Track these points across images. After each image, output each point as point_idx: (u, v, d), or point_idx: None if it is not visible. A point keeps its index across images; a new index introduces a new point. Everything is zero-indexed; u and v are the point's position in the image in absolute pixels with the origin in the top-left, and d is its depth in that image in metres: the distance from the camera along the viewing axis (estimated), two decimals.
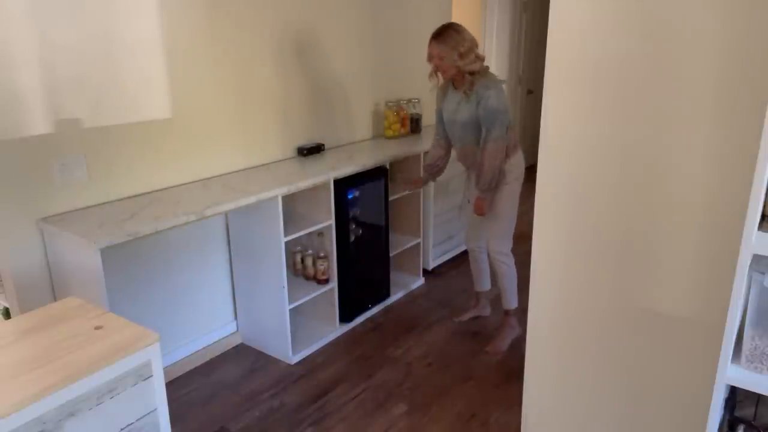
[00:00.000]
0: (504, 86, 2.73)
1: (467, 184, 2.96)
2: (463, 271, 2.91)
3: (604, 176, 1.61)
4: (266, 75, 2.90)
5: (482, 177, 2.67)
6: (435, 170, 3.01)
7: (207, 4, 2.56)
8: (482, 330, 3.11)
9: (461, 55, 2.61)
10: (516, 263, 2.91)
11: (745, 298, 1.23)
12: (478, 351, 2.91)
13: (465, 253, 2.98)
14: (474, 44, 2.67)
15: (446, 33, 2.64)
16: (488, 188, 2.69)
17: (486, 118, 2.62)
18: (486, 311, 3.22)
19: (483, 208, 2.72)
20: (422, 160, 3.35)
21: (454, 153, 2.96)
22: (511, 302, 2.94)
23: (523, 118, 6.23)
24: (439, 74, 2.73)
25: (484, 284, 3.13)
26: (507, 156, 2.70)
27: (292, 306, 2.76)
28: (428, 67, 2.78)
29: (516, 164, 2.76)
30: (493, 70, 6.42)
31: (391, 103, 3.70)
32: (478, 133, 2.70)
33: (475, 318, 3.18)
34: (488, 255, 2.92)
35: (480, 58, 2.67)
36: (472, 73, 2.64)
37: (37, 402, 1.23)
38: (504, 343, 2.93)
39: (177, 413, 2.40)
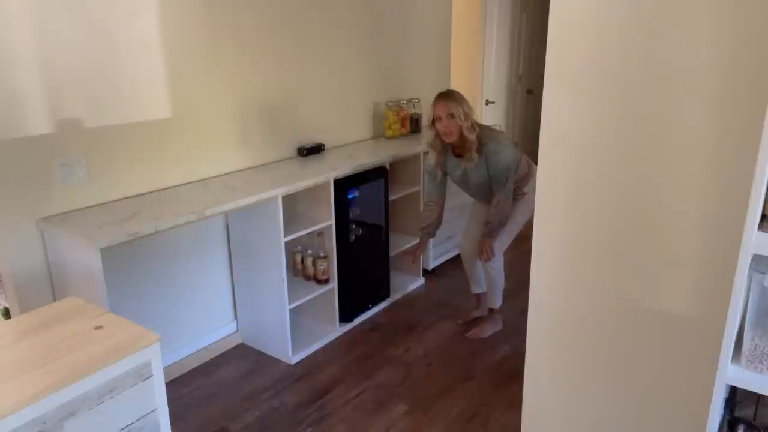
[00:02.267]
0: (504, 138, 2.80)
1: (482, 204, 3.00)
2: (464, 271, 2.91)
3: (603, 176, 1.61)
4: (266, 75, 2.90)
5: (493, 224, 2.78)
6: (432, 228, 3.04)
7: (207, 3, 2.56)
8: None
9: (467, 116, 2.64)
10: (516, 263, 2.92)
11: (745, 298, 1.23)
12: (478, 351, 2.91)
13: None
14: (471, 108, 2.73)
15: (454, 92, 2.70)
16: (497, 234, 2.82)
17: (499, 174, 2.69)
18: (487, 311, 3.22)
19: (488, 246, 2.83)
20: (422, 161, 3.35)
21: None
22: (497, 302, 3.05)
23: (523, 118, 6.23)
24: (444, 138, 2.70)
25: (483, 286, 3.14)
26: (527, 180, 2.82)
27: (292, 306, 2.76)
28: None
29: (533, 185, 2.80)
30: (492, 70, 6.42)
31: (391, 103, 3.70)
32: (488, 189, 2.80)
33: (478, 318, 3.18)
34: (483, 265, 2.97)
35: (475, 125, 2.69)
36: (476, 136, 2.65)
37: (37, 402, 1.23)
38: (485, 332, 3.06)
39: (177, 413, 2.40)
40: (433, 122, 2.70)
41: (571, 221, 1.70)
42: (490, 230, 2.82)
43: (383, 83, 3.71)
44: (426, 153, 3.15)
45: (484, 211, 2.94)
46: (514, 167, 2.72)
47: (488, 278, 3.01)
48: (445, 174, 2.90)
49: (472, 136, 2.65)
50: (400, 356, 2.89)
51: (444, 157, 2.82)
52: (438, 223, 3.03)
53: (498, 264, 2.94)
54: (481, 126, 2.73)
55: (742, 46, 1.34)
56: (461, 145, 2.70)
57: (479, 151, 2.68)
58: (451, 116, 2.62)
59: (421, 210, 3.13)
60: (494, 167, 2.68)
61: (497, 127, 3.14)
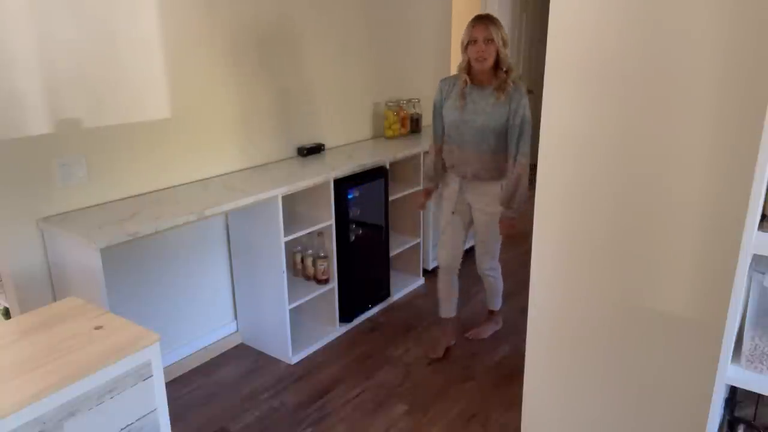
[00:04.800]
0: None
1: (462, 193, 2.70)
2: (464, 271, 2.91)
3: (603, 176, 1.61)
4: (266, 75, 2.90)
5: (516, 195, 2.51)
6: (439, 177, 2.80)
7: (207, 3, 2.56)
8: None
9: (505, 43, 2.46)
10: (516, 263, 2.92)
11: (745, 298, 1.23)
12: (478, 351, 2.91)
13: (466, 251, 2.90)
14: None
15: (493, 17, 2.49)
16: (521, 207, 2.53)
17: (521, 128, 2.46)
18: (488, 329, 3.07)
19: (514, 226, 2.58)
20: (422, 161, 3.35)
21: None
22: (497, 304, 3.00)
23: None
24: (475, 64, 2.46)
25: (455, 309, 2.91)
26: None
27: (292, 306, 2.76)
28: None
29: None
30: None
31: (391, 103, 3.70)
32: (498, 142, 2.51)
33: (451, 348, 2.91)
34: (478, 270, 2.85)
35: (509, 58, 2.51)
36: (507, 72, 2.47)
37: (37, 402, 1.23)
38: (485, 332, 3.01)
39: (177, 413, 2.40)
40: (466, 47, 2.47)
41: (571, 221, 1.70)
42: (509, 202, 2.52)
43: (383, 83, 3.71)
44: (426, 153, 3.14)
45: (462, 219, 2.74)
46: (530, 130, 2.47)
47: (487, 283, 2.92)
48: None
49: (509, 63, 2.47)
50: (400, 356, 2.88)
51: (464, 87, 2.54)
52: (443, 171, 2.77)
53: (496, 271, 2.86)
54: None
55: (742, 46, 1.34)
56: (487, 76, 2.49)
57: (504, 89, 2.45)
58: (490, 41, 2.41)
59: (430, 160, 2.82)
60: (515, 115, 2.44)
61: None
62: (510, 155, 2.50)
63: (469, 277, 3.11)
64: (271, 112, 2.97)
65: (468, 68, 2.51)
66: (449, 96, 2.60)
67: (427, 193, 2.88)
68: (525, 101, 2.45)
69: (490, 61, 2.45)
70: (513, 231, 2.60)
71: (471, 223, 2.76)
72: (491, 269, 2.85)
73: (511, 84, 2.46)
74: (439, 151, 2.74)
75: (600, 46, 1.53)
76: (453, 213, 2.73)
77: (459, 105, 2.55)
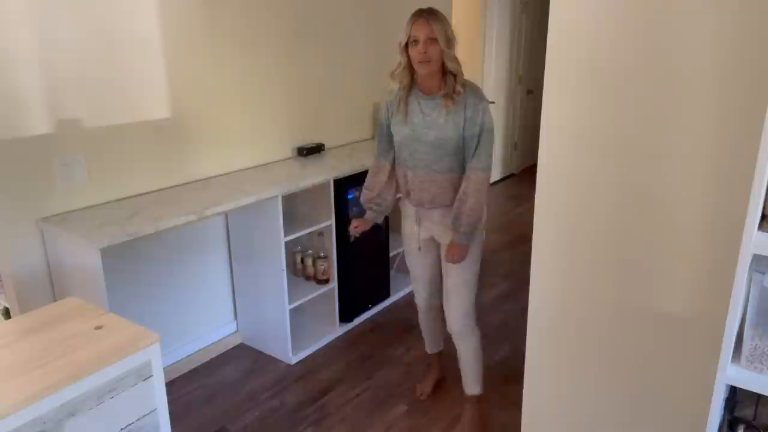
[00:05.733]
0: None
1: (420, 225, 2.25)
2: None
3: (603, 176, 1.61)
4: (266, 75, 2.90)
5: (465, 215, 2.06)
6: (381, 204, 2.33)
7: (207, 3, 2.56)
8: (483, 330, 3.10)
9: (449, 42, 2.03)
10: (516, 263, 2.86)
11: (745, 298, 1.23)
12: None
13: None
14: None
15: (437, 10, 2.07)
16: (472, 231, 2.09)
17: (478, 138, 2.04)
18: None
19: (462, 255, 2.12)
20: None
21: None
22: (475, 386, 2.35)
23: (523, 118, 6.23)
24: (418, 68, 2.05)
25: (440, 343, 2.60)
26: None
27: (292, 306, 2.76)
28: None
29: (484, 223, 2.21)
30: (492, 70, 6.42)
31: None
32: (457, 160, 2.09)
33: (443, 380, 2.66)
34: (448, 329, 2.30)
35: (456, 59, 2.07)
36: (454, 75, 2.05)
37: (37, 402, 1.23)
38: None
39: (177, 413, 2.40)
40: (405, 47, 2.06)
41: (571, 221, 1.70)
42: (458, 227, 2.08)
43: (383, 83, 3.70)
44: None
45: (431, 254, 2.32)
46: (493, 139, 2.07)
47: (460, 351, 2.32)
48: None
49: (455, 67, 2.04)
50: (400, 356, 2.88)
51: (407, 98, 2.14)
52: (390, 199, 2.33)
53: (472, 332, 2.28)
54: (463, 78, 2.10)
55: (742, 46, 1.34)
56: (434, 82, 2.07)
57: (454, 97, 2.03)
58: (433, 41, 2.00)
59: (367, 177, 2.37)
60: (471, 126, 2.03)
61: None
62: (467, 168, 2.07)
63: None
64: (271, 112, 2.97)
65: (411, 72, 2.11)
66: (397, 112, 2.18)
67: (366, 222, 2.39)
68: (483, 105, 2.05)
69: (436, 64, 2.03)
70: (457, 258, 2.11)
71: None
72: (464, 329, 2.26)
73: (461, 89, 2.04)
74: (382, 170, 2.29)
75: (600, 46, 1.53)
76: (419, 249, 2.31)
77: (402, 118, 2.13)
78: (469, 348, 2.31)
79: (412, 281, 2.47)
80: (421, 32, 2.02)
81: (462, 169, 2.10)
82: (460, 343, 2.30)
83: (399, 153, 2.20)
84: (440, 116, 2.06)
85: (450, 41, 2.04)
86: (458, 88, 2.04)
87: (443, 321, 2.34)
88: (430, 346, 2.60)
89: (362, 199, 2.37)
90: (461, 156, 2.09)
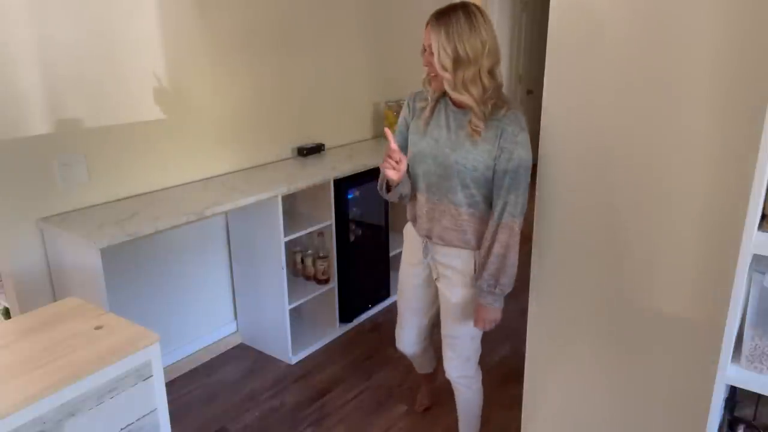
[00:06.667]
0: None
1: (426, 259, 1.93)
2: None
3: (603, 176, 1.61)
4: (266, 75, 2.90)
5: (503, 273, 1.73)
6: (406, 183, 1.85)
7: (206, 3, 2.56)
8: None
9: (456, 59, 1.60)
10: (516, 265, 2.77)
11: (745, 298, 1.23)
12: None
13: None
14: (493, 51, 1.64)
15: (453, 15, 1.61)
16: (506, 291, 1.78)
17: (514, 175, 1.66)
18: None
19: (497, 320, 1.83)
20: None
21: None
22: None
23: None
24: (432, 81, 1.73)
25: (430, 365, 2.33)
26: None
27: (292, 306, 2.76)
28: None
29: None
30: None
31: (391, 103, 3.70)
32: (477, 192, 1.73)
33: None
34: (446, 374, 2.02)
35: (495, 82, 1.67)
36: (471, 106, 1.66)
37: (37, 402, 1.23)
38: None
39: (177, 413, 2.40)
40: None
41: (571, 221, 1.70)
42: (493, 285, 1.75)
43: (383, 83, 3.71)
44: None
45: (431, 294, 2.01)
46: (528, 180, 1.70)
47: (457, 397, 2.06)
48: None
49: (464, 96, 1.63)
50: (400, 356, 2.88)
51: (434, 108, 1.77)
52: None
53: (471, 381, 2.01)
54: (508, 99, 1.72)
55: (742, 46, 1.33)
56: (457, 98, 1.68)
57: (486, 120, 1.65)
58: (431, 53, 1.65)
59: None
60: (506, 159, 1.65)
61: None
62: (493, 212, 1.72)
63: None
64: (271, 112, 2.97)
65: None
66: (418, 117, 1.82)
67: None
68: (523, 138, 1.66)
69: (439, 82, 1.68)
70: (491, 326, 1.83)
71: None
72: (463, 378, 1.99)
73: (479, 123, 1.65)
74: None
75: (600, 47, 1.53)
76: (417, 292, 2.01)
77: (422, 126, 1.78)
78: (468, 398, 2.05)
79: (397, 324, 2.12)
80: (425, 40, 1.69)
81: (486, 207, 1.75)
82: (458, 391, 2.05)
83: (411, 168, 1.81)
84: (468, 138, 1.68)
85: (459, 58, 1.60)
86: (476, 122, 1.65)
87: (433, 347, 2.16)
88: (419, 367, 2.33)
89: (379, 184, 1.89)
90: (487, 191, 1.72)
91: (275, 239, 2.64)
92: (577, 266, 1.72)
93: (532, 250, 1.80)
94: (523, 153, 1.66)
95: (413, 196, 1.87)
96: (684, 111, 1.44)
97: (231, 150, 2.80)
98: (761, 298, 1.23)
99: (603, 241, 1.66)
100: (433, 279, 1.95)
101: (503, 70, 5.73)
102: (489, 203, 1.74)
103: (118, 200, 2.37)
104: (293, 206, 2.90)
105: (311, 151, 3.16)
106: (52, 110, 2.13)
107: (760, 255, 1.17)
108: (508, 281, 1.76)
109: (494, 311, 1.79)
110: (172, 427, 1.55)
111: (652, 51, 1.45)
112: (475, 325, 1.84)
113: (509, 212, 1.69)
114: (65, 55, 2.13)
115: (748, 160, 1.30)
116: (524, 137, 1.66)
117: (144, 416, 1.46)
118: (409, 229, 1.99)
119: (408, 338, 2.13)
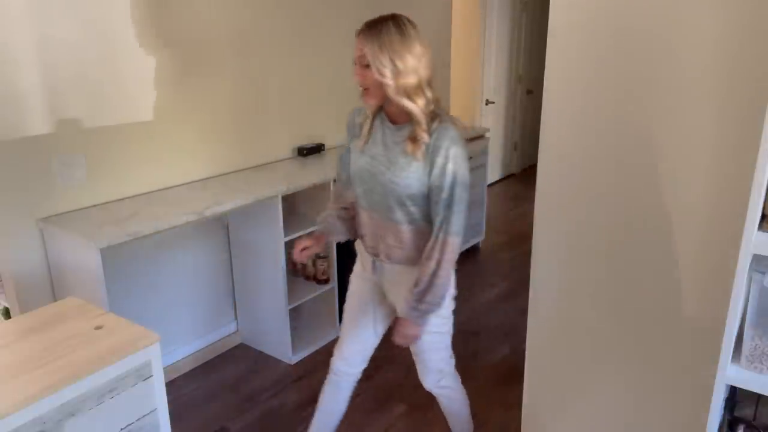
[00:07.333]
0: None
1: (376, 279, 1.84)
2: (464, 271, 2.90)
3: (604, 176, 1.61)
4: (267, 74, 2.90)
5: (434, 291, 1.61)
6: (349, 216, 1.85)
7: (206, 3, 2.56)
8: (483, 330, 3.11)
9: (395, 71, 1.53)
10: (516, 263, 2.81)
11: (745, 298, 1.23)
12: (478, 351, 2.91)
13: (466, 251, 2.59)
14: (430, 62, 1.58)
15: (385, 22, 1.60)
16: (432, 309, 1.65)
17: (451, 191, 1.57)
18: None
19: (416, 338, 1.72)
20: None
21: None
22: None
23: (523, 118, 6.23)
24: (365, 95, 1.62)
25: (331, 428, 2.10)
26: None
27: (291, 306, 2.76)
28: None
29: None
30: (492, 70, 6.40)
31: None
32: (415, 209, 1.65)
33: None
34: (426, 388, 1.95)
35: (429, 96, 1.58)
36: (416, 116, 1.56)
37: (37, 402, 1.23)
38: None
39: (177, 413, 2.40)
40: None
41: (571, 221, 1.70)
42: (420, 302, 1.62)
43: None
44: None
45: (380, 312, 1.91)
46: (466, 196, 1.60)
47: (441, 404, 2.01)
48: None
49: (410, 105, 1.55)
50: (400, 356, 2.88)
51: (373, 122, 1.69)
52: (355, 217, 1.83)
53: (450, 385, 1.94)
54: (441, 112, 1.61)
55: (742, 46, 1.34)
56: (398, 111, 1.61)
57: (416, 140, 1.56)
58: (365, 65, 1.57)
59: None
60: (440, 175, 1.56)
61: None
62: (432, 228, 1.62)
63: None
64: (271, 112, 2.97)
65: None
66: (357, 135, 1.75)
67: (317, 239, 1.90)
68: (455, 151, 1.55)
69: (376, 96, 1.59)
70: (410, 342, 1.73)
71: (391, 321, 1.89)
72: (441, 387, 1.93)
73: (424, 135, 1.55)
74: (341, 198, 1.88)
75: (600, 47, 1.53)
76: (366, 304, 1.91)
77: (360, 144, 1.70)
78: (450, 402, 1.99)
79: (336, 348, 2.00)
80: (356, 50, 1.60)
81: (427, 222, 1.66)
82: (439, 398, 1.99)
83: (354, 185, 1.75)
84: (402, 155, 1.59)
85: (398, 71, 1.52)
86: (420, 134, 1.55)
87: (347, 404, 2.01)
88: (317, 427, 2.04)
89: (321, 216, 1.91)
90: (427, 207, 1.64)
91: (275, 239, 2.64)
92: (577, 266, 1.73)
93: (532, 250, 1.80)
94: (457, 167, 1.56)
95: (359, 213, 1.80)
96: (684, 111, 1.44)
97: (231, 150, 2.80)
98: (761, 298, 1.23)
99: (602, 240, 1.66)
100: (383, 302, 1.88)
101: (503, 71, 5.77)
102: (429, 220, 1.65)
103: (118, 200, 2.37)
104: (293, 206, 2.90)
105: (311, 151, 3.16)
106: (51, 110, 2.13)
107: (760, 255, 1.17)
108: (433, 300, 1.63)
109: (414, 328, 1.69)
110: (172, 427, 1.55)
111: (653, 51, 1.45)
112: (392, 337, 1.72)
113: (444, 230, 1.59)
114: (65, 55, 2.13)
115: (748, 160, 1.30)
116: (456, 151, 1.56)
117: (144, 416, 1.46)
118: (359, 244, 1.89)
119: (341, 352, 2.00)
